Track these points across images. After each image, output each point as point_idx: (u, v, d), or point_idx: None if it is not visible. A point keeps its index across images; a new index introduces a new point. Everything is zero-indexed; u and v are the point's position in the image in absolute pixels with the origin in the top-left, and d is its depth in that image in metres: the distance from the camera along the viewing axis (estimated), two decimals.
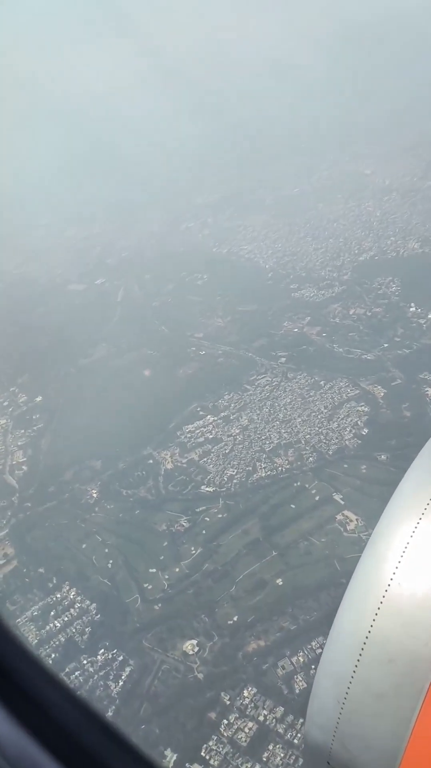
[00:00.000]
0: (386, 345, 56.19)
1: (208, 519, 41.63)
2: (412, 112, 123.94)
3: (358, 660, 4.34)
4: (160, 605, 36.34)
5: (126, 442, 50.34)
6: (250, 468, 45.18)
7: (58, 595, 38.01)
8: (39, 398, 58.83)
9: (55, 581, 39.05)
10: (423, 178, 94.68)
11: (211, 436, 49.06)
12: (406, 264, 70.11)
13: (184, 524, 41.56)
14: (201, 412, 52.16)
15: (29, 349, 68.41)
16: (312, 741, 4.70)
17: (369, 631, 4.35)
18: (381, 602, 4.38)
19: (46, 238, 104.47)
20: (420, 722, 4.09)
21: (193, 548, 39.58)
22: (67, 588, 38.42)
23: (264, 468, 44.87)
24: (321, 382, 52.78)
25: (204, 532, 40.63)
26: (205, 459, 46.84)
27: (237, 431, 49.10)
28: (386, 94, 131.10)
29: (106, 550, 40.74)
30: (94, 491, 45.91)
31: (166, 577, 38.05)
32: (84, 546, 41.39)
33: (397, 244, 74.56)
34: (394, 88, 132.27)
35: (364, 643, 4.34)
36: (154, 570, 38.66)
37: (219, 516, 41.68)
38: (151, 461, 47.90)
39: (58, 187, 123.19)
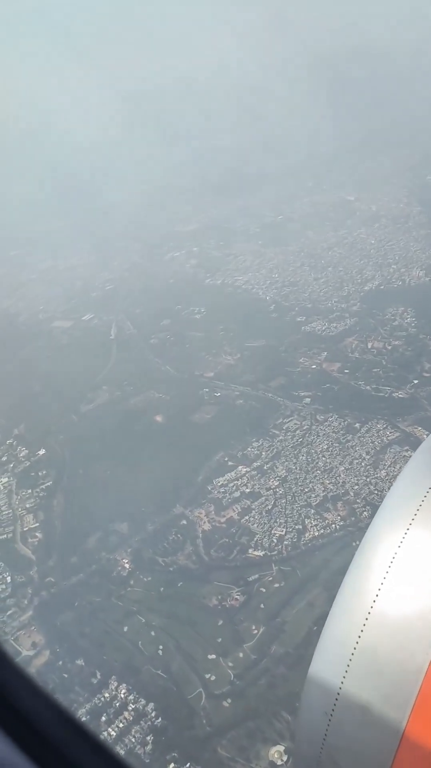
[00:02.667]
0: (416, 381, 53.19)
1: (263, 590, 37.04)
2: (385, 140, 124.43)
3: (346, 672, 4.28)
4: (229, 701, 31.45)
5: (151, 500, 45.43)
6: (300, 526, 40.91)
7: (106, 695, 32.63)
8: (42, 451, 53.27)
9: (99, 676, 33.65)
10: (408, 204, 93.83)
11: (247, 490, 44.62)
12: (415, 293, 67.91)
13: (238, 597, 36.84)
14: (230, 463, 47.70)
15: (21, 395, 62.77)
16: (300, 754, 4.79)
17: (357, 642, 4.29)
18: (369, 613, 4.33)
19: (20, 271, 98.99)
20: (408, 734, 4.02)
21: (254, 627, 34.89)
22: (115, 684, 33.07)
23: (316, 526, 40.69)
24: (356, 425, 49.18)
25: (262, 606, 36.03)
26: (247, 517, 42.34)
27: (276, 483, 44.85)
28: (359, 123, 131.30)
29: (153, 633, 35.61)
30: (125, 561, 40.70)
31: (230, 664, 33.19)
32: (126, 629, 36.11)
33: (401, 273, 72.43)
34: (367, 117, 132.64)
35: (352, 655, 4.29)
36: (214, 656, 33.75)
37: (276, 585, 37.18)
38: (184, 522, 43.05)
39: (29, 218, 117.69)
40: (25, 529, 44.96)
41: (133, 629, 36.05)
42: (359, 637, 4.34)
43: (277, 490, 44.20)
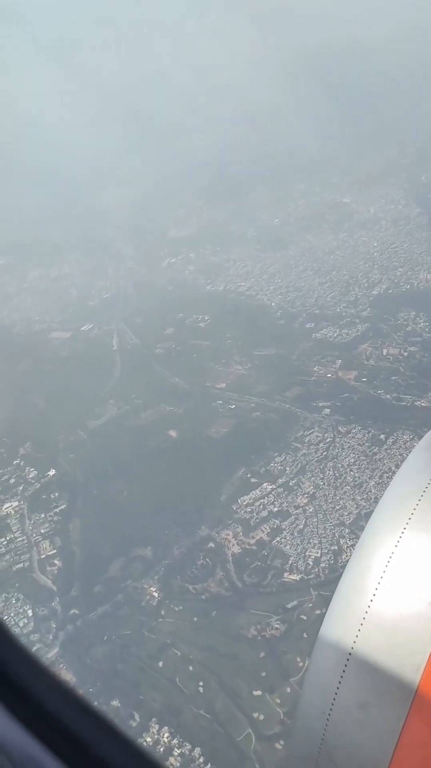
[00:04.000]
0: None
1: (304, 617, 35.21)
2: (375, 140, 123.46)
3: (343, 671, 4.27)
4: (282, 743, 29.54)
5: (174, 522, 43.40)
6: (335, 547, 39.18)
7: (149, 739, 30.53)
8: (52, 472, 50.90)
9: (138, 719, 31.54)
10: (407, 205, 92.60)
11: (275, 509, 42.76)
12: (424, 297, 66.58)
13: (278, 626, 34.97)
14: (253, 480, 45.81)
15: (24, 411, 60.27)
16: (298, 754, 4.67)
17: (355, 642, 4.29)
18: (366, 613, 4.33)
19: (9, 280, 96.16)
20: (406, 732, 4.01)
21: (299, 659, 33.00)
22: (157, 727, 31.01)
23: (352, 545, 38.92)
24: (381, 436, 47.60)
25: (305, 635, 34.16)
26: (278, 538, 40.48)
27: (305, 501, 43.07)
28: (346, 123, 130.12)
29: (191, 668, 33.59)
30: (153, 589, 38.61)
31: (278, 701, 31.29)
32: (161, 665, 34.06)
33: (408, 276, 71.06)
34: (355, 117, 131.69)
35: (349, 654, 4.28)
36: (260, 692, 31.82)
37: (317, 612, 35.28)
38: (211, 544, 41.07)
39: (14, 225, 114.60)
40: (42, 557, 42.63)
41: (169, 664, 34.01)
42: (356, 636, 4.28)
43: (307, 508, 42.43)
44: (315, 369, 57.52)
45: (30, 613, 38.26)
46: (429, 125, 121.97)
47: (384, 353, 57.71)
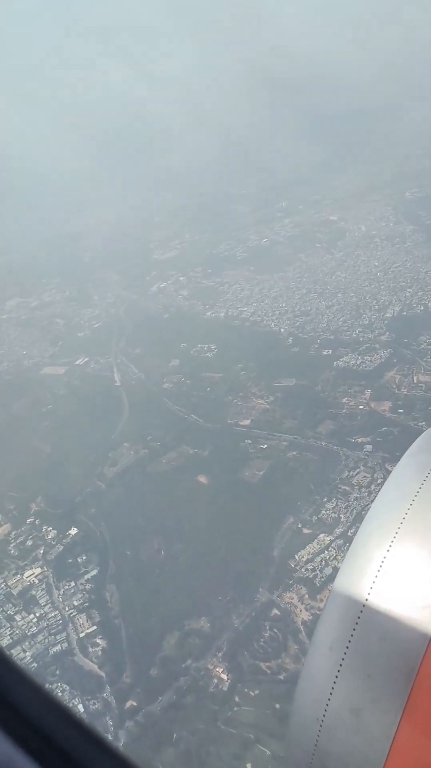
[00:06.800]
0: None
1: None
2: (350, 158, 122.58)
3: (336, 676, 4.28)
4: None
5: (226, 585, 38.84)
6: None
7: None
8: (73, 530, 45.68)
9: None
10: (398, 223, 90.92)
11: (340, 565, 38.60)
12: None
13: None
14: (305, 530, 41.69)
15: (28, 460, 54.81)
16: (292, 761, 4.72)
17: (347, 647, 4.29)
18: (358, 618, 4.32)
19: None
20: (398, 739, 4.02)
21: None
22: None
23: None
24: None
25: None
26: None
27: None
28: (320, 140, 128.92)
29: None
30: (219, 669, 33.92)
31: None
32: (249, 767, 29.45)
33: (420, 297, 68.61)
34: (328, 135, 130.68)
35: (342, 660, 4.29)
36: None
37: None
38: (276, 611, 36.67)
39: None
40: (81, 635, 37.40)
41: (259, 767, 29.37)
42: (349, 642, 4.26)
43: None
44: (344, 401, 54.00)
45: (80, 708, 33.06)
46: (404, 142, 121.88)
47: (415, 381, 54.70)
